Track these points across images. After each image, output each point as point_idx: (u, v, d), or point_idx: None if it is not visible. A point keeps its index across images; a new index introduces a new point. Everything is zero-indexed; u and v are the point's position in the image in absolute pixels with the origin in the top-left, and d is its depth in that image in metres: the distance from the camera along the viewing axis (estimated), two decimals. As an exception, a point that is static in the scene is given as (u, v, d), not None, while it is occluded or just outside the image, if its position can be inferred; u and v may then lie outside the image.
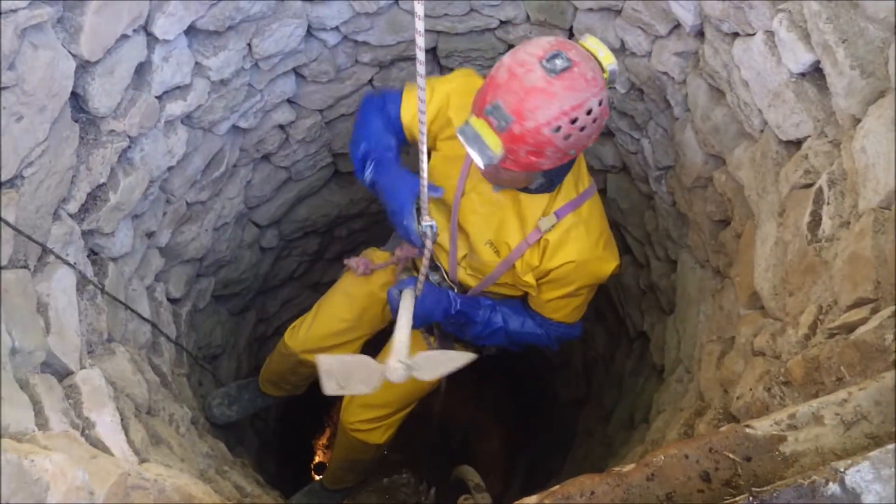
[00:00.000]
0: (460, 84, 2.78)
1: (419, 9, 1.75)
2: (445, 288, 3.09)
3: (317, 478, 5.97)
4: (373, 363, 2.57)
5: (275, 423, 5.51)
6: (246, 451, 4.32)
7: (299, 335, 3.65)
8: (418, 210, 2.61)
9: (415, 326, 2.83)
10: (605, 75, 2.27)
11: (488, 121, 2.20)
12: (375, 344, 3.57)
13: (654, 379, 3.65)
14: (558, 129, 2.17)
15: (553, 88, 2.13)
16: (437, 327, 3.29)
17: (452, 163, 2.78)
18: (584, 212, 2.72)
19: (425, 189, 2.39)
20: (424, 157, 2.24)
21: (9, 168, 1.86)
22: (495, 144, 2.20)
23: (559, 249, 2.72)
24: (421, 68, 1.90)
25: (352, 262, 3.43)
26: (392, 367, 2.51)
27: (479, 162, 2.28)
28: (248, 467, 3.42)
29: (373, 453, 3.97)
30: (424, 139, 2.17)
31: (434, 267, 2.99)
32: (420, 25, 1.78)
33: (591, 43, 2.28)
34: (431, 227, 2.57)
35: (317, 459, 6.55)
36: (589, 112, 2.18)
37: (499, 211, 2.73)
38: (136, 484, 1.36)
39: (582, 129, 2.20)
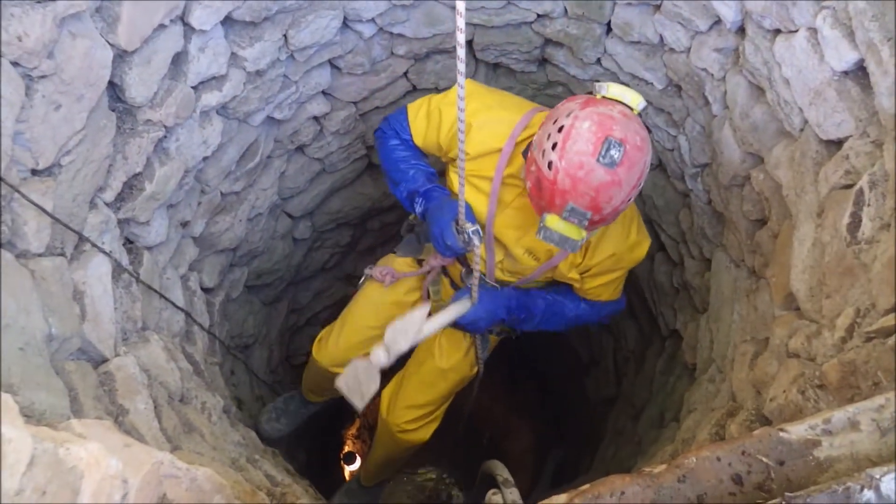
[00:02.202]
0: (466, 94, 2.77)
1: (461, 6, 1.74)
2: (501, 289, 3.15)
3: (348, 474, 6.01)
4: (363, 362, 2.82)
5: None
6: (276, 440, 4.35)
7: (328, 349, 3.68)
8: (458, 230, 2.74)
9: (481, 330, 3.17)
10: (637, 110, 2.41)
11: (568, 220, 2.34)
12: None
13: (686, 378, 3.62)
14: (630, 197, 2.38)
15: (619, 176, 2.27)
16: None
17: (480, 182, 2.85)
18: None
19: (462, 201, 2.59)
20: (462, 172, 2.42)
21: (46, 156, 1.88)
22: (579, 235, 2.38)
23: (599, 246, 2.86)
24: (461, 66, 1.89)
25: (376, 272, 3.47)
26: (375, 354, 2.78)
27: (567, 250, 2.49)
28: (278, 456, 3.44)
29: (414, 450, 4.04)
30: (463, 155, 2.33)
31: (469, 271, 3.00)
32: (461, 38, 1.77)
33: (616, 91, 2.42)
34: (476, 231, 2.70)
35: (346, 449, 6.59)
36: (647, 168, 2.38)
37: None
38: (169, 473, 1.37)
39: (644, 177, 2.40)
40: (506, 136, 2.74)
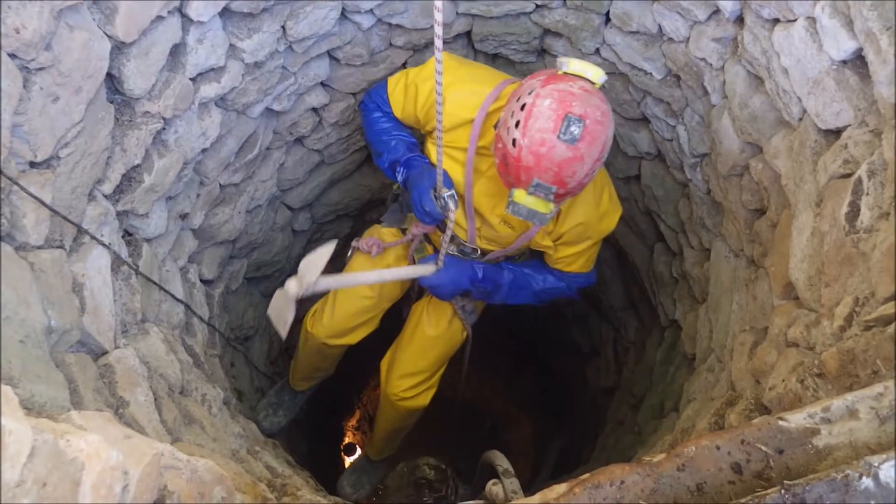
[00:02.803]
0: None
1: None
2: (468, 259, 3.32)
3: (348, 464, 6.07)
4: (281, 292, 2.98)
5: (305, 404, 5.55)
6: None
7: (323, 322, 3.76)
8: (435, 196, 2.93)
9: (445, 296, 3.35)
10: (598, 84, 2.51)
11: (536, 194, 2.46)
12: (392, 311, 3.93)
13: (685, 368, 3.63)
14: (594, 170, 2.49)
15: (580, 151, 2.39)
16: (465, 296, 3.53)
17: (456, 152, 2.97)
18: None
19: (440, 169, 2.81)
20: (440, 142, 2.62)
21: (45, 149, 1.88)
22: (546, 208, 2.51)
23: (569, 213, 3.01)
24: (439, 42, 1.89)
25: (362, 244, 3.56)
26: (287, 283, 2.93)
27: (536, 224, 2.69)
28: (279, 448, 3.44)
29: (417, 417, 4.18)
30: (440, 126, 2.53)
31: (451, 238, 3.14)
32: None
33: (577, 67, 2.51)
34: (452, 196, 2.91)
35: (346, 440, 6.61)
36: (610, 139, 2.49)
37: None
38: (170, 464, 1.37)
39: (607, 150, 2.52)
40: (476, 108, 2.86)
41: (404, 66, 3.73)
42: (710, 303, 3.30)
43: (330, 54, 3.41)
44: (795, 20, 2.26)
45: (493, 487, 2.41)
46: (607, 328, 5.56)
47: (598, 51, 3.48)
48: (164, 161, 2.59)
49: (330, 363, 4.24)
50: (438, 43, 2.06)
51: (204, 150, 2.91)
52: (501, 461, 2.56)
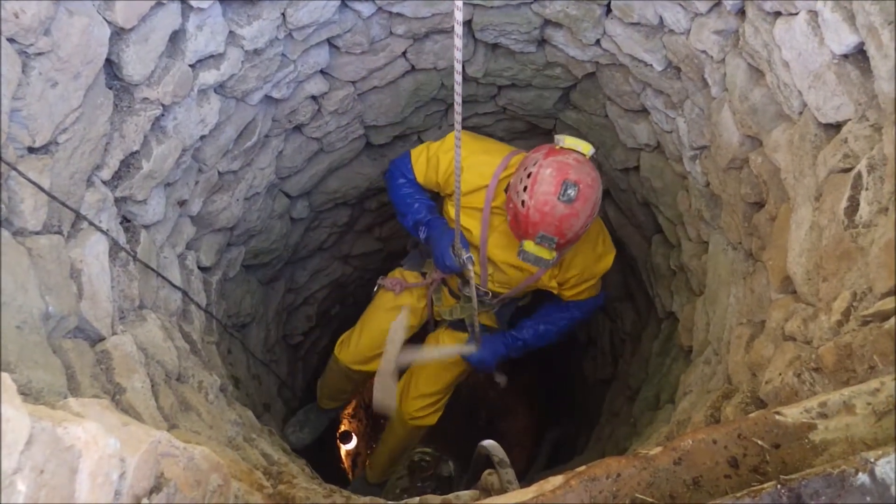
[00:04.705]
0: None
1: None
2: (496, 332, 4.10)
3: (343, 453, 6.15)
4: (378, 377, 3.90)
5: (302, 393, 5.56)
6: (273, 419, 4.37)
7: (350, 349, 4.36)
8: (454, 253, 3.48)
9: (489, 368, 4.13)
10: (588, 156, 3.14)
11: (541, 244, 3.07)
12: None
13: (682, 360, 3.64)
14: (587, 224, 3.12)
15: (576, 209, 3.03)
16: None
17: (473, 212, 3.56)
18: None
19: (458, 230, 3.39)
20: (459, 206, 3.20)
21: (43, 134, 1.87)
22: (550, 255, 3.12)
23: (572, 262, 3.66)
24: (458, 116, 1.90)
25: (387, 282, 4.23)
26: (380, 369, 3.88)
27: (542, 268, 3.36)
28: (275, 435, 3.45)
29: (420, 436, 4.81)
30: (459, 193, 3.06)
31: (465, 281, 3.76)
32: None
33: (571, 142, 3.16)
34: (469, 257, 3.45)
35: (342, 428, 6.62)
36: (599, 199, 3.12)
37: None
38: (167, 452, 1.37)
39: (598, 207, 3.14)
40: (490, 175, 3.46)
41: (404, 54, 3.72)
42: (707, 295, 3.31)
43: (330, 42, 3.40)
44: (797, 13, 2.25)
45: (489, 477, 2.42)
46: (604, 320, 5.57)
47: (598, 42, 3.48)
48: (162, 147, 2.58)
49: (353, 386, 4.82)
50: (458, 117, 2.45)
51: (202, 137, 2.90)
52: (497, 451, 2.57)
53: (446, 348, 4.10)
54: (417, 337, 4.39)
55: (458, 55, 2.08)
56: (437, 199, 3.93)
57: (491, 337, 4.00)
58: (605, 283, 5.20)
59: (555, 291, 3.82)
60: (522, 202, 3.05)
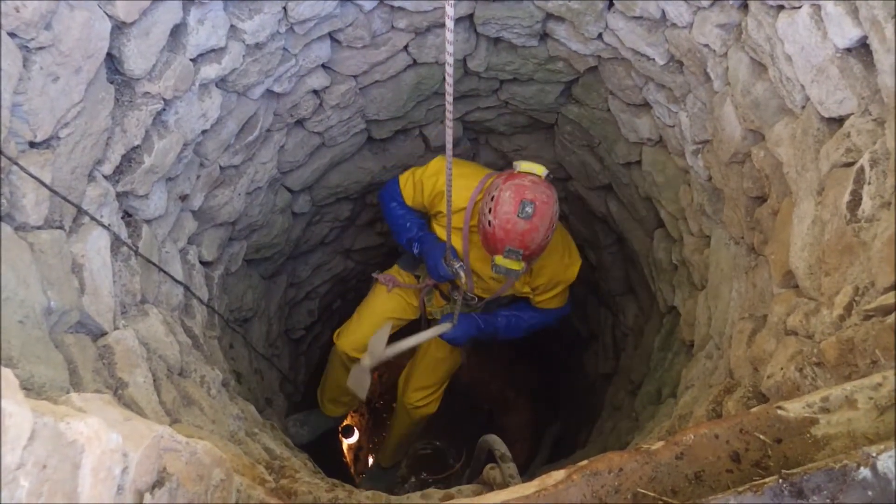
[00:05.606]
0: (439, 168, 3.90)
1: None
2: (472, 313, 4.40)
3: (345, 447, 6.28)
4: (358, 366, 4.20)
5: (304, 387, 5.57)
6: (275, 413, 4.37)
7: (348, 335, 4.61)
8: (447, 263, 3.91)
9: (460, 344, 4.45)
10: (542, 177, 3.51)
11: (509, 257, 3.43)
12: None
13: (683, 354, 3.63)
14: (547, 236, 3.48)
15: (534, 224, 3.39)
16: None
17: (456, 230, 3.95)
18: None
19: (448, 244, 3.86)
20: (449, 223, 3.59)
21: (45, 129, 1.87)
22: (518, 266, 3.46)
23: (540, 271, 4.09)
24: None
25: (381, 277, 4.60)
26: (362, 359, 4.16)
27: (512, 277, 3.75)
28: (276, 430, 3.45)
29: (424, 423, 5.25)
30: (449, 213, 3.46)
31: (455, 287, 4.31)
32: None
33: (526, 166, 3.54)
34: (462, 266, 3.90)
35: (344, 423, 6.63)
36: (556, 213, 3.49)
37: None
38: (169, 446, 1.37)
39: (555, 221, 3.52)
40: (467, 199, 3.81)
41: (406, 49, 3.72)
42: (709, 290, 3.30)
43: (331, 36, 3.39)
44: (800, 7, 2.24)
45: (491, 472, 2.43)
46: (606, 314, 5.57)
47: (600, 36, 3.47)
48: (164, 142, 2.58)
49: None
50: (449, 145, 2.63)
51: (204, 132, 2.90)
52: (499, 446, 2.57)
53: (424, 333, 4.36)
54: (410, 332, 4.48)
55: (450, 60, 2.07)
56: (425, 216, 4.31)
57: (467, 317, 4.35)
58: (606, 278, 5.24)
59: (529, 296, 4.29)
60: (489, 222, 3.43)
